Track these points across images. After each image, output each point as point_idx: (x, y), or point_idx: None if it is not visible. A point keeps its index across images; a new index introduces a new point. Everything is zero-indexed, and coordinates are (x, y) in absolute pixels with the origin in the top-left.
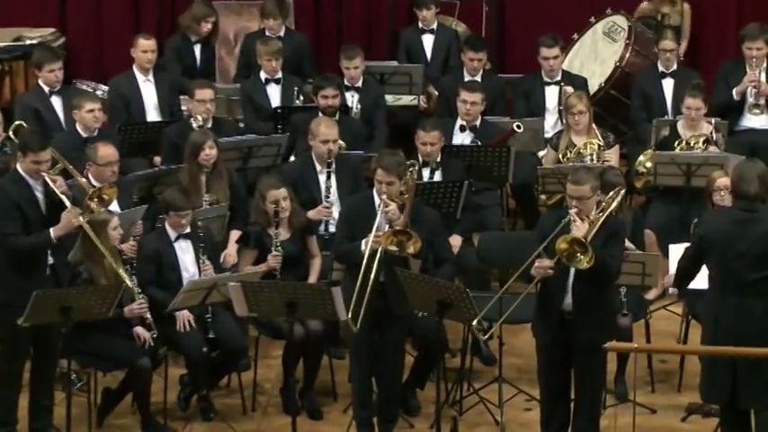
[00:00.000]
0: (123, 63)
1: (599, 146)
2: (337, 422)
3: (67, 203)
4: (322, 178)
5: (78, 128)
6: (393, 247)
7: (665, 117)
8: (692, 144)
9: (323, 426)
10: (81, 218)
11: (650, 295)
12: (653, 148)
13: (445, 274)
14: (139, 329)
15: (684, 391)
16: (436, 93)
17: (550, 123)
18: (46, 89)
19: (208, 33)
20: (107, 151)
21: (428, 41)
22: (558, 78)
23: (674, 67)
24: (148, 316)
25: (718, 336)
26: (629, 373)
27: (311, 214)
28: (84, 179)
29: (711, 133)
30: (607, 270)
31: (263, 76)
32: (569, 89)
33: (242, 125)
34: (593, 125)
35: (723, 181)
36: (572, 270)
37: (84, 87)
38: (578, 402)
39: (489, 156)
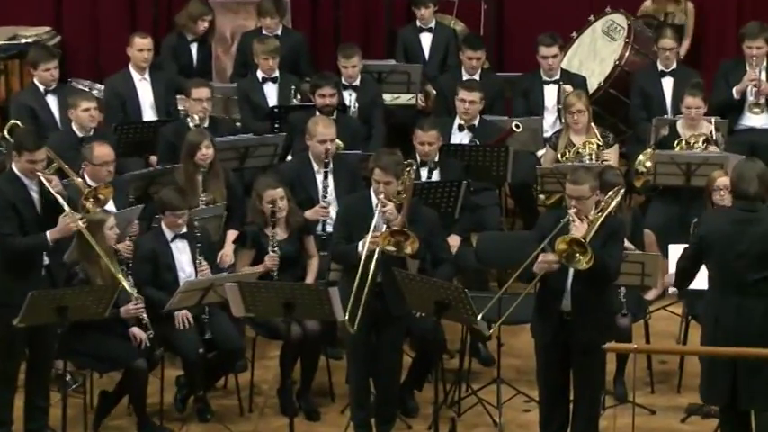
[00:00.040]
0: (119, 62)
1: (598, 145)
2: (335, 423)
3: (64, 204)
4: (319, 178)
5: (74, 127)
6: (391, 248)
7: (665, 116)
8: (691, 143)
9: (320, 427)
10: (80, 222)
11: (650, 295)
12: (652, 148)
13: (443, 274)
14: (136, 330)
15: (684, 391)
16: (434, 92)
17: (549, 122)
18: (41, 88)
19: (204, 32)
20: (103, 151)
21: (426, 40)
22: (557, 77)
23: (674, 65)
24: (145, 316)
25: (718, 336)
26: (628, 373)
27: (308, 214)
28: (79, 179)
29: (711, 132)
30: (606, 270)
31: (259, 75)
32: (568, 88)
33: (239, 124)
34: (593, 124)
35: (723, 181)
36: (571, 270)
37: (80, 86)
38: (577, 403)
39: (488, 155)
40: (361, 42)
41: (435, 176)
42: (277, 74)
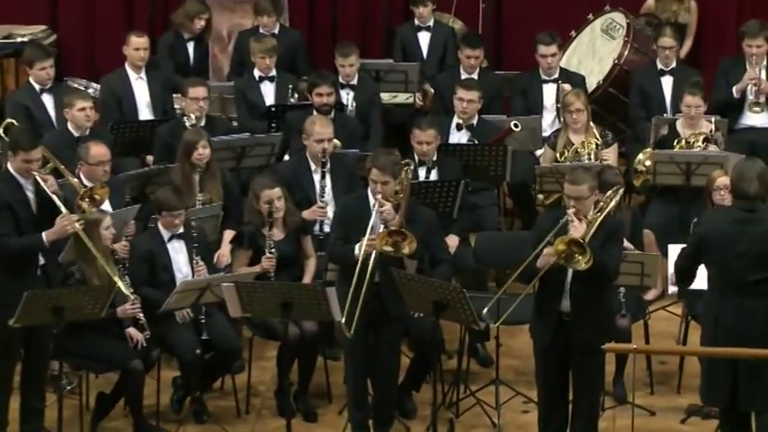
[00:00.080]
0: (115, 61)
1: (597, 144)
2: (332, 424)
3: (60, 205)
4: (317, 177)
5: (70, 126)
6: (388, 248)
7: (665, 115)
8: (691, 143)
9: (318, 428)
10: (76, 224)
11: (649, 296)
12: (652, 147)
13: (442, 274)
14: (132, 330)
15: (684, 392)
16: (432, 91)
17: (548, 122)
18: (37, 87)
19: (201, 30)
20: (99, 150)
21: (424, 39)
22: (556, 76)
23: (674, 64)
24: (141, 317)
25: (718, 337)
26: (627, 374)
27: (306, 214)
28: (75, 179)
29: (711, 132)
30: (605, 271)
31: (256, 73)
32: (567, 87)
33: (235, 124)
34: (592, 123)
35: (723, 180)
36: (570, 271)
37: (76, 85)
38: (576, 404)
39: (486, 155)
40: (358, 41)
41: (433, 176)
42: (274, 73)
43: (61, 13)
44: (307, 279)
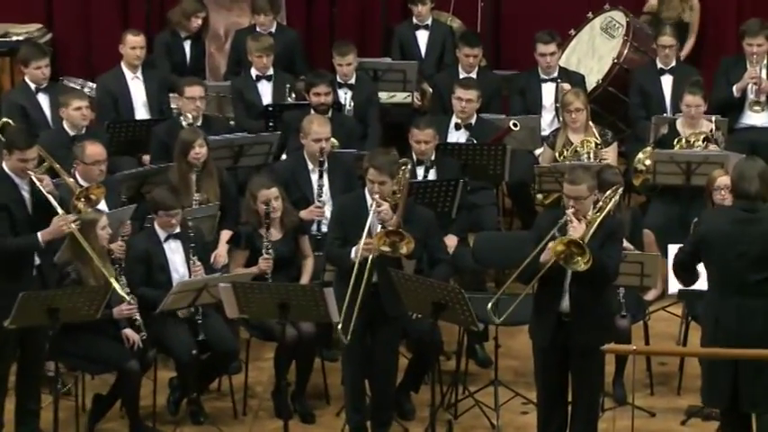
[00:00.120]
0: (111, 60)
1: (596, 144)
2: (330, 426)
3: (55, 204)
4: (314, 177)
5: (65, 126)
6: (386, 248)
7: (664, 114)
8: (691, 142)
9: (315, 430)
10: (73, 225)
11: (649, 296)
12: (652, 146)
13: (440, 274)
14: (128, 331)
15: (684, 393)
16: (431, 90)
17: (547, 121)
18: (32, 86)
19: (198, 29)
20: (95, 150)
21: (422, 37)
22: (555, 75)
23: (673, 63)
24: (138, 317)
25: (718, 337)
26: (627, 375)
27: (303, 214)
28: (71, 178)
29: (711, 131)
30: (605, 271)
31: (253, 72)
32: (566, 86)
33: (232, 123)
34: (591, 123)
35: (724, 180)
36: (569, 271)
37: (72, 84)
38: (576, 406)
39: (485, 154)
40: (356, 40)
41: (432, 176)
42: (271, 72)
43: (57, 11)
44: (304, 280)
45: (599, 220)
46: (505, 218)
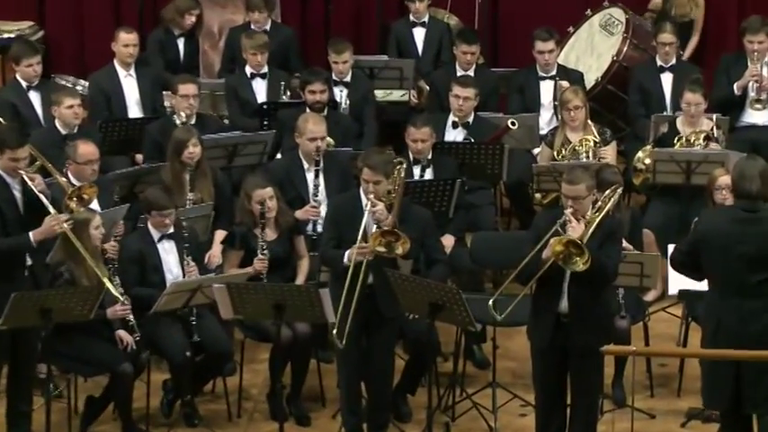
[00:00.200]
0: (104, 57)
1: (595, 142)
2: (326, 428)
3: (47, 204)
4: (310, 176)
5: (57, 124)
6: (381, 248)
7: (664, 113)
8: (691, 141)
9: None
10: (65, 224)
11: (649, 297)
12: (651, 145)
13: (437, 274)
14: (122, 333)
15: (684, 395)
16: (427, 88)
17: (545, 119)
18: (24, 84)
19: (191, 27)
20: (87, 149)
21: (419, 35)
22: (554, 73)
23: (673, 61)
24: (131, 318)
25: (719, 339)
26: (627, 377)
27: (299, 214)
28: (63, 178)
29: (712, 129)
30: (604, 272)
31: (248, 70)
32: (565, 84)
33: (227, 121)
34: (590, 121)
35: (725, 179)
36: (568, 272)
37: (64, 83)
38: (575, 408)
39: (482, 153)
40: (352, 37)
41: (428, 175)
42: (266, 69)
43: (49, 8)
44: (300, 280)
45: (598, 219)
46: (503, 218)
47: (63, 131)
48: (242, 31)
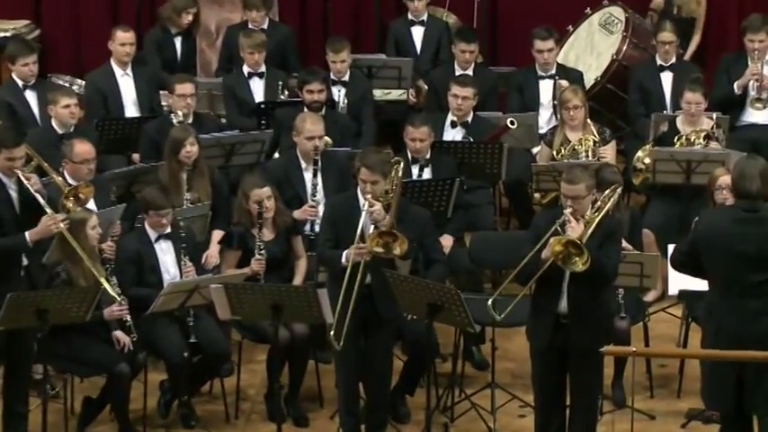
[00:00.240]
0: (100, 56)
1: (594, 142)
2: (324, 429)
3: (43, 203)
4: (308, 176)
5: (54, 124)
6: (379, 249)
7: (664, 112)
8: (692, 140)
9: None
10: (61, 224)
11: (649, 297)
12: (651, 145)
13: (436, 275)
14: (119, 333)
15: (684, 396)
16: (426, 87)
17: (545, 119)
18: (20, 83)
19: (189, 25)
20: (83, 148)
21: (418, 33)
22: (553, 72)
23: (673, 60)
24: (128, 318)
25: (720, 339)
26: (626, 377)
27: (296, 214)
28: (59, 177)
29: (712, 128)
30: (604, 272)
31: (245, 69)
32: (564, 83)
33: (224, 121)
34: (589, 120)
35: (725, 179)
36: (567, 272)
37: (60, 82)
38: (574, 409)
39: (481, 152)
40: (350, 36)
41: (427, 174)
42: (263, 68)
43: (45, 7)
44: (297, 280)
45: (597, 219)
46: (502, 217)
47: (59, 131)
48: (239, 30)
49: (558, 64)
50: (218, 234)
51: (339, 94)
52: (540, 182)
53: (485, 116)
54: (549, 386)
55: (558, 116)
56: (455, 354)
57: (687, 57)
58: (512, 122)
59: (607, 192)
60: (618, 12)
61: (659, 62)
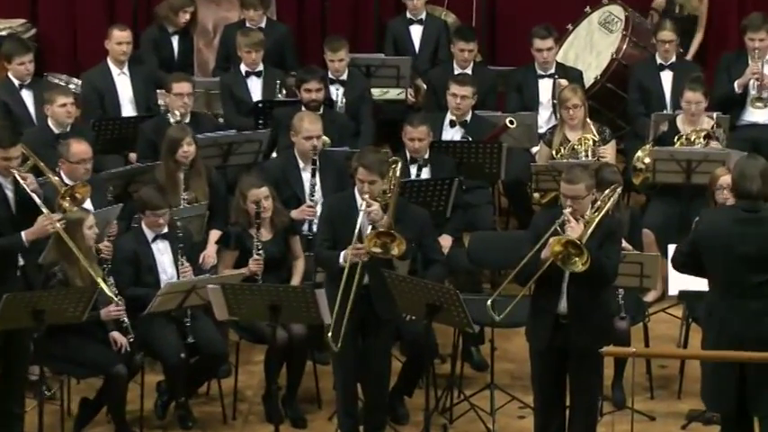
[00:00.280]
0: (97, 55)
1: (594, 141)
2: (322, 431)
3: (39, 203)
4: (306, 176)
5: (50, 123)
6: (376, 249)
7: (664, 111)
8: (692, 139)
9: None
10: (58, 224)
11: (649, 297)
12: (651, 144)
13: (435, 275)
14: (116, 334)
15: (684, 397)
16: (425, 86)
17: (544, 118)
18: (16, 82)
19: (186, 24)
20: (80, 148)
21: (416, 32)
22: (552, 71)
23: (673, 59)
24: (125, 319)
25: (721, 340)
26: (626, 378)
27: (294, 214)
28: (56, 177)
29: (713, 128)
30: (603, 272)
31: (243, 68)
32: (564, 82)
33: (221, 120)
34: (589, 120)
35: (726, 179)
36: (567, 272)
37: (57, 81)
38: (574, 410)
39: (480, 152)
40: (348, 35)
41: (425, 174)
42: (261, 68)
43: (41, 6)
44: (295, 281)
45: (597, 219)
46: (501, 217)
47: (56, 130)
48: (237, 29)
49: (557, 63)
50: (215, 234)
51: (337, 93)
52: (539, 181)
53: (484, 115)
54: (548, 387)
55: (558, 115)
56: (454, 354)
57: (690, 55)
58: (511, 122)
59: (607, 191)
60: (617, 10)
61: (659, 61)
